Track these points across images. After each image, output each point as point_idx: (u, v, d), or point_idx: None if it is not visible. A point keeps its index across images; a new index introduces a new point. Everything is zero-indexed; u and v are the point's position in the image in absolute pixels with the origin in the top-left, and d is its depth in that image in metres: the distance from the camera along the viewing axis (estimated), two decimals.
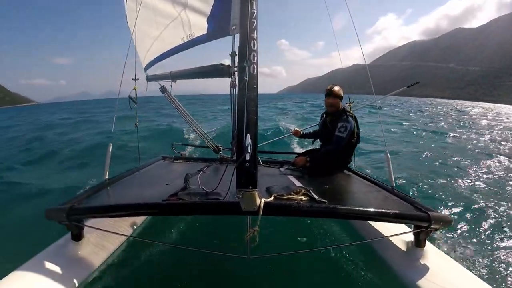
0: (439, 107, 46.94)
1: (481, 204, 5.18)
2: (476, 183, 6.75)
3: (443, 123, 21.25)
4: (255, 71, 2.39)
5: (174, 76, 4.09)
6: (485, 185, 6.68)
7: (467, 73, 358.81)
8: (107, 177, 3.27)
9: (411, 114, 29.00)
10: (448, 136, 14.11)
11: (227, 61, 3.16)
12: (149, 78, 4.57)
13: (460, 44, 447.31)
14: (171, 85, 4.25)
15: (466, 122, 23.08)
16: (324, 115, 4.37)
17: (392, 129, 15.90)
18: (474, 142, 12.82)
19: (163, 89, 4.28)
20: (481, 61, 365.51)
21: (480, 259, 3.40)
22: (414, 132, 15.52)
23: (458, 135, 14.59)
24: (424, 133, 15.19)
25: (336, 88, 4.09)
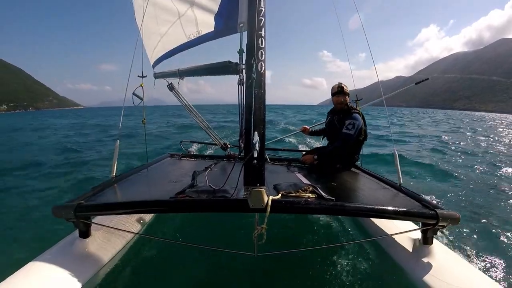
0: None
1: (491, 200, 5.14)
2: (483, 180, 6.69)
3: None
4: (263, 69, 2.38)
5: (182, 73, 4.10)
6: (494, 183, 6.62)
7: (511, 85, 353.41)
8: (114, 174, 3.28)
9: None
10: None
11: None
12: (156, 75, 4.58)
13: (503, 56, 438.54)
14: (178, 83, 4.26)
15: None
16: (331, 113, 4.36)
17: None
18: None
19: (170, 87, 4.29)
20: None
21: (488, 257, 3.38)
22: None
23: None
24: None
25: (344, 86, 4.14)
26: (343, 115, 4.10)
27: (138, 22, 4.34)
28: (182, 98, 4.32)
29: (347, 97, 4.13)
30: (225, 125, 20.09)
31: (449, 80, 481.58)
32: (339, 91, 4.11)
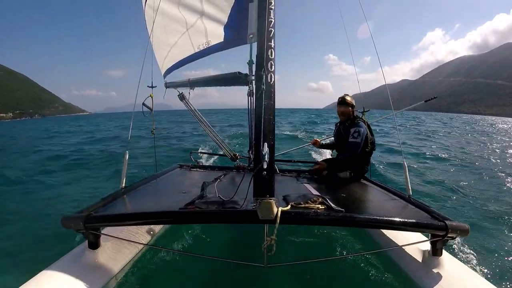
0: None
1: (500, 211, 5.06)
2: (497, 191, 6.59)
3: None
4: (273, 80, 2.39)
5: (193, 84, 4.14)
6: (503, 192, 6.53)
7: None
8: (123, 185, 3.28)
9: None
10: None
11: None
12: (168, 85, 4.63)
13: (509, 60, 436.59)
14: (189, 93, 4.30)
15: None
16: (338, 124, 4.43)
17: None
18: None
19: (181, 96, 4.33)
20: None
21: (498, 269, 3.33)
22: None
23: None
24: None
25: (348, 97, 4.23)
26: (348, 124, 4.16)
27: (149, 32, 4.41)
28: (193, 108, 4.35)
29: (349, 108, 4.20)
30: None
31: (454, 83, 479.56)
32: (340, 102, 4.24)
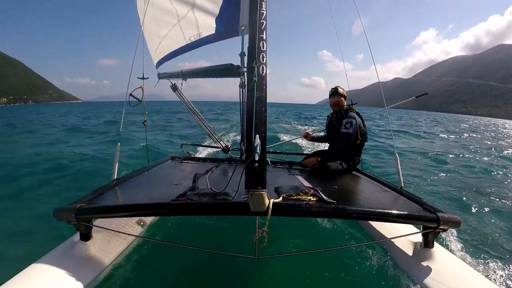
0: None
1: (491, 204, 5.14)
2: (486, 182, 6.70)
3: None
4: (264, 72, 2.38)
5: (185, 75, 4.12)
6: (495, 185, 6.63)
7: (507, 91, 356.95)
8: (115, 176, 3.27)
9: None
10: None
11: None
12: (160, 76, 4.62)
13: (501, 61, 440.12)
14: (181, 84, 4.28)
15: None
16: (330, 115, 4.48)
17: None
18: None
19: (174, 87, 4.31)
20: None
21: (489, 260, 3.37)
22: None
23: None
24: None
25: (340, 89, 4.33)
26: (341, 115, 4.23)
27: (140, 23, 4.37)
28: (185, 99, 4.33)
29: (342, 98, 4.28)
30: None
31: (446, 83, 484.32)
32: (333, 92, 4.33)
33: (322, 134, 5.14)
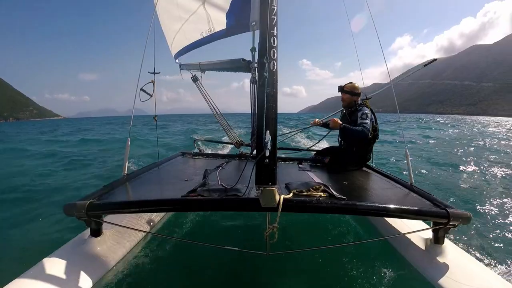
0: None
1: (501, 200, 5.07)
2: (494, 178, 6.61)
3: None
4: (275, 68, 2.37)
5: (203, 67, 4.18)
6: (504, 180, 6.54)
7: (481, 90, 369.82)
8: (125, 172, 3.27)
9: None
10: None
11: None
12: (182, 67, 4.70)
13: (475, 61, 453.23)
14: (201, 76, 4.33)
15: None
16: (344, 111, 4.44)
17: None
18: None
19: (194, 78, 4.35)
20: (495, 77, 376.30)
21: (499, 256, 3.33)
22: None
23: None
24: None
25: (348, 84, 4.30)
26: (354, 109, 4.19)
27: (159, 17, 4.45)
28: (204, 91, 4.35)
29: (348, 95, 4.24)
30: None
31: (423, 85, 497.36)
32: (339, 89, 4.34)
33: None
